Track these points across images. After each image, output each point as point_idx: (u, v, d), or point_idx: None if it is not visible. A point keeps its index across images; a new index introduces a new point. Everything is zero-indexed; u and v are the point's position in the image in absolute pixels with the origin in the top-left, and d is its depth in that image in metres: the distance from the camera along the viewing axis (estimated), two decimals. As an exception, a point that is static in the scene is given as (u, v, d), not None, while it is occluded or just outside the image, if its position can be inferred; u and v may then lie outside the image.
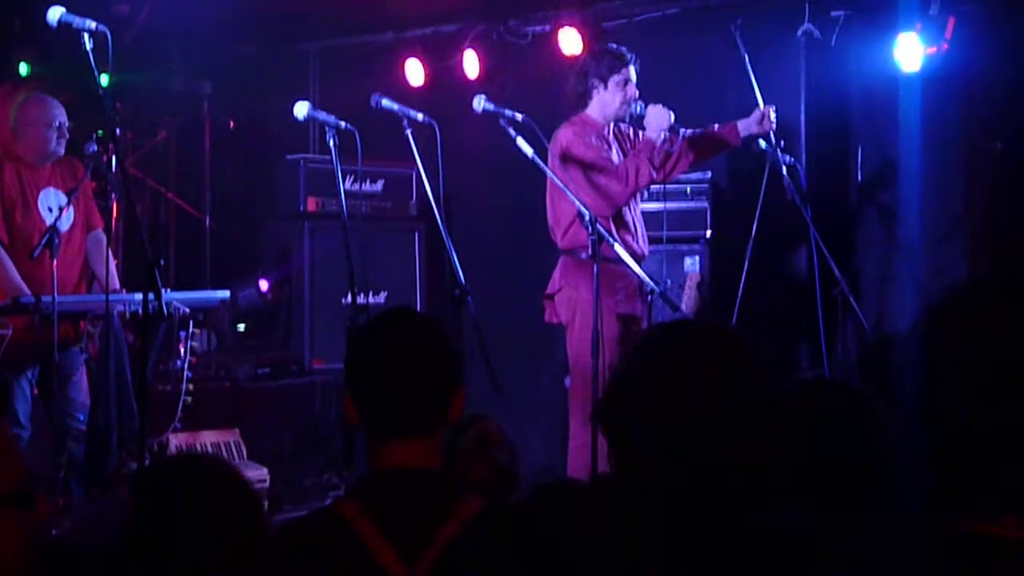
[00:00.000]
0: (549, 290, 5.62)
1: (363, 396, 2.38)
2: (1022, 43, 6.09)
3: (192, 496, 2.11)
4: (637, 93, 5.56)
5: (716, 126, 5.71)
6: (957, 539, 1.53)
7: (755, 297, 6.38)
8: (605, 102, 5.57)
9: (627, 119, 5.67)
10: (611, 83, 5.55)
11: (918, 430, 1.72)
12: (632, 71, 5.57)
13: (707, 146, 5.74)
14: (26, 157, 5.59)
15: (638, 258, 5.47)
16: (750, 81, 5.89)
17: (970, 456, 1.57)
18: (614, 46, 5.62)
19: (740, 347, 1.94)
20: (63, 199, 5.55)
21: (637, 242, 5.62)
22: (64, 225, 5.43)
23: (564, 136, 5.50)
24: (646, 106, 5.53)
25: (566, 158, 5.46)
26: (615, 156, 5.61)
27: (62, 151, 5.64)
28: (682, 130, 5.61)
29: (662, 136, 5.49)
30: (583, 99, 5.60)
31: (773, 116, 5.62)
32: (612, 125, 5.67)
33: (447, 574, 2.24)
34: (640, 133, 5.66)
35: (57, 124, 5.57)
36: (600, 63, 5.57)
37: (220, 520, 2.09)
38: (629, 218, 5.62)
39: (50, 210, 5.57)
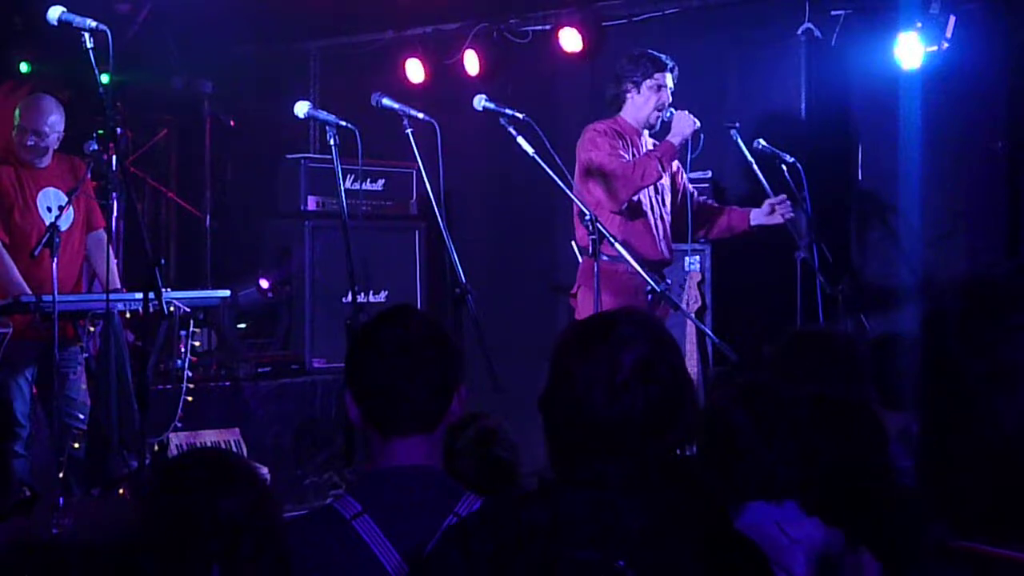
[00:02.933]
0: (573, 289, 5.67)
1: (365, 394, 2.38)
2: (1022, 43, 6.09)
3: (212, 493, 2.09)
4: (670, 100, 5.58)
5: (732, 208, 5.86)
6: (980, 563, 1.51)
7: (755, 296, 6.37)
8: (638, 107, 5.61)
9: (659, 126, 5.68)
10: (644, 87, 5.58)
11: (922, 431, 1.71)
12: (668, 77, 5.60)
13: (724, 226, 5.87)
14: (21, 157, 5.61)
15: (659, 262, 5.49)
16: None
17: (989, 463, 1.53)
18: (653, 51, 5.64)
19: (661, 333, 1.96)
20: (63, 198, 5.55)
21: (658, 245, 5.62)
22: (63, 225, 5.42)
23: (585, 134, 5.57)
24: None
25: (582, 158, 5.53)
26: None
27: (43, 159, 5.63)
28: (701, 197, 5.79)
29: (683, 140, 5.52)
30: (616, 103, 5.66)
31: (788, 205, 5.64)
32: (648, 134, 5.69)
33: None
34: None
35: (34, 129, 5.56)
36: (635, 68, 5.60)
37: (240, 517, 2.07)
38: (652, 220, 5.63)
39: (49, 209, 5.58)
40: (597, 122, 5.64)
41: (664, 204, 5.73)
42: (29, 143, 5.59)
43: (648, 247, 5.55)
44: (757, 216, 5.76)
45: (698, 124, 5.51)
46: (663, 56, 5.63)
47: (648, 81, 5.57)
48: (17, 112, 5.67)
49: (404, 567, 2.24)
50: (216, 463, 2.17)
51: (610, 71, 5.85)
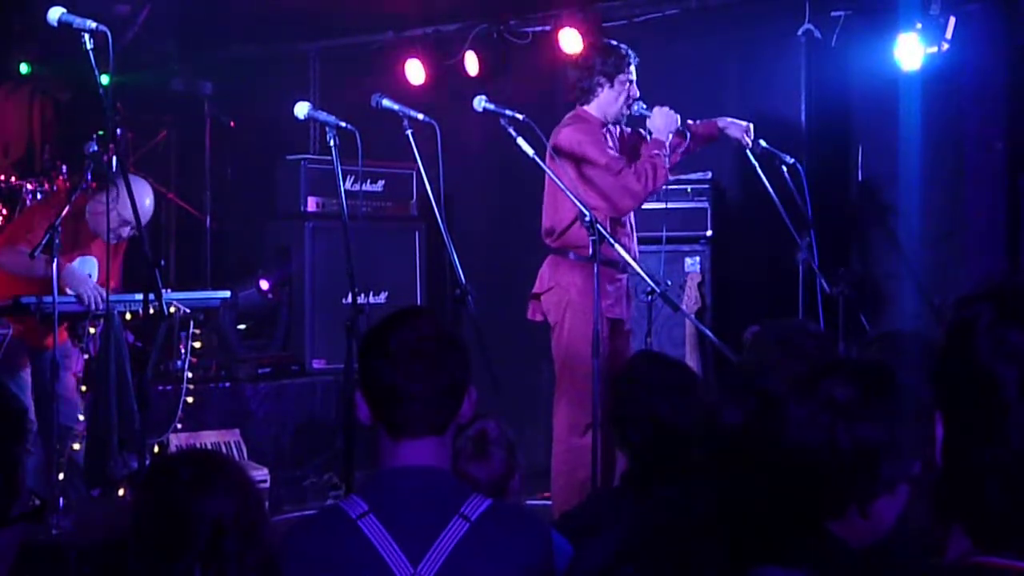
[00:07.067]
0: (536, 289, 5.52)
1: (375, 397, 2.38)
2: (1022, 43, 6.09)
3: (197, 492, 2.10)
4: (638, 93, 5.49)
5: (699, 122, 5.61)
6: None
7: (755, 296, 6.38)
8: (608, 101, 5.44)
9: (625, 120, 5.58)
10: (616, 82, 5.43)
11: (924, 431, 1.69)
12: (634, 71, 5.51)
13: (696, 143, 5.66)
14: (99, 232, 5.52)
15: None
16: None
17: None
18: (617, 44, 5.54)
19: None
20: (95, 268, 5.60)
21: (633, 243, 5.55)
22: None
23: (569, 137, 5.34)
24: (648, 107, 5.44)
25: (576, 158, 5.32)
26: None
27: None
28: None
29: (669, 138, 5.37)
30: (586, 94, 5.46)
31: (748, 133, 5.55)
32: (609, 126, 5.58)
33: (453, 573, 2.25)
34: (632, 133, 5.60)
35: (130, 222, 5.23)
36: (607, 60, 5.43)
37: (225, 517, 2.08)
38: (626, 218, 5.55)
39: (90, 276, 5.61)
40: (569, 125, 5.41)
41: None
42: (125, 231, 5.46)
43: (631, 246, 5.45)
44: (726, 124, 5.57)
45: (679, 120, 5.36)
46: (627, 48, 5.48)
47: (620, 75, 5.40)
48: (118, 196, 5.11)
49: (409, 567, 2.24)
50: (202, 462, 2.19)
51: None
